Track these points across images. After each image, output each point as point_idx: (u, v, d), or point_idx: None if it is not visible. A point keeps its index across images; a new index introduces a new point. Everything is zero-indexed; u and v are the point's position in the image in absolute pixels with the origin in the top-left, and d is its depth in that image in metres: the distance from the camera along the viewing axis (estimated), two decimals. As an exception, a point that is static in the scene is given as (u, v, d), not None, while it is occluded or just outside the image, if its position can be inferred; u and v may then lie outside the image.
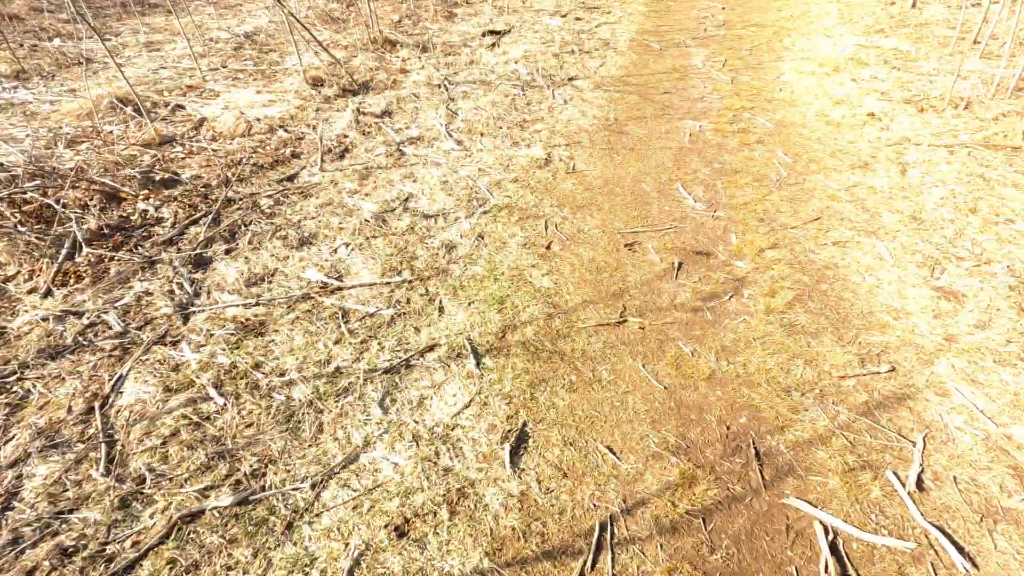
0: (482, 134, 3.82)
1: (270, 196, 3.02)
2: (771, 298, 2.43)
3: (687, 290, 2.49)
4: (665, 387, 2.03)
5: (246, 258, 2.55)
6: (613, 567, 1.49)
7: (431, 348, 2.12)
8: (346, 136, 3.70)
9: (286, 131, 3.71)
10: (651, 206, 3.13)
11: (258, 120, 3.78)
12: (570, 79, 4.86)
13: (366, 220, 2.82)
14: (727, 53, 5.55)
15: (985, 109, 3.92)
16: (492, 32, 5.92)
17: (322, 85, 4.38)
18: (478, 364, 2.07)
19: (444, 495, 1.65)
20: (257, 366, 2.06)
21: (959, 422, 1.88)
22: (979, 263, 2.56)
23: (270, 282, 2.41)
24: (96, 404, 1.87)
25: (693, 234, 2.89)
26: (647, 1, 7.55)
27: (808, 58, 5.26)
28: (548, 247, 2.75)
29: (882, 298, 2.42)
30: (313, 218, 2.86)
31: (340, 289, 2.39)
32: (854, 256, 2.67)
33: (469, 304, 2.36)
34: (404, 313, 2.29)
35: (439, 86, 4.56)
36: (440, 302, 2.36)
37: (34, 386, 1.94)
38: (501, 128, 3.91)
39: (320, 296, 2.35)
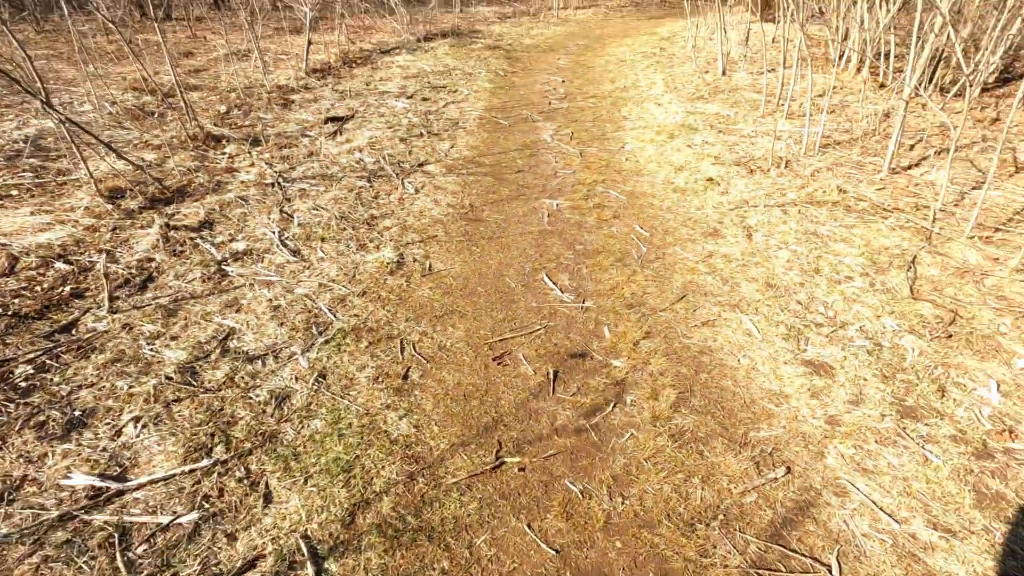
0: (323, 239, 3.40)
1: (31, 360, 2.31)
2: (655, 401, 2.24)
3: (567, 406, 2.22)
4: (558, 550, 1.69)
5: (-19, 464, 1.84)
6: None
7: (251, 564, 1.59)
8: (151, 260, 3.07)
9: (67, 262, 2.99)
10: (517, 304, 2.89)
11: (28, 252, 3.02)
12: (420, 165, 4.64)
13: (168, 377, 2.23)
14: (573, 126, 5.73)
15: (802, 167, 4.31)
16: (334, 119, 5.60)
17: (123, 197, 3.71)
18: (319, 575, 1.58)
19: None
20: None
21: (864, 527, 1.74)
22: (835, 327, 2.61)
23: (9, 503, 1.73)
24: None
25: (565, 332, 2.67)
26: (491, 78, 7.77)
27: (646, 126, 5.59)
28: (405, 376, 2.36)
29: (760, 381, 2.33)
30: (92, 385, 2.21)
31: (121, 494, 1.77)
32: (725, 336, 2.61)
33: (306, 480, 1.87)
34: (214, 514, 1.74)
35: (273, 185, 4.09)
36: (266, 485, 1.84)
37: None
38: (345, 230, 3.51)
39: (88, 512, 1.72)
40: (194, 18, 11.00)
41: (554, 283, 3.07)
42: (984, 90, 5.61)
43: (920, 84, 5.78)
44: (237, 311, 2.71)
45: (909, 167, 4.22)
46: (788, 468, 1.94)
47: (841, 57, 7.53)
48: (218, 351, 2.44)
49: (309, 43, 7.43)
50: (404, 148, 4.97)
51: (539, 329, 2.68)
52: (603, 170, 4.60)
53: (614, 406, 2.22)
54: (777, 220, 3.58)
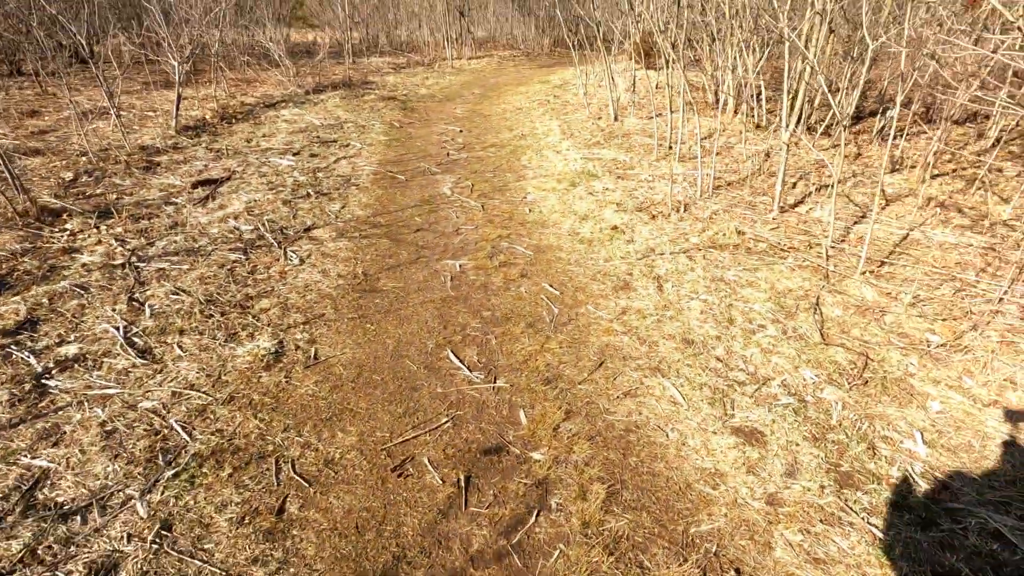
0: (183, 331, 2.85)
1: None
2: (583, 502, 1.94)
3: (483, 523, 1.87)
4: None
5: None
6: None
7: None
8: (-61, 382, 2.38)
9: None
10: (420, 391, 2.52)
11: None
12: (307, 229, 4.20)
13: (-67, 564, 1.62)
14: (473, 177, 5.55)
15: (699, 210, 4.36)
16: (206, 182, 5.02)
17: (-88, 297, 2.94)
18: None
19: None
20: None
21: (829, 637, 1.52)
22: (758, 384, 2.49)
23: None
24: None
25: (476, 422, 2.33)
26: (386, 129, 7.49)
27: (547, 174, 5.52)
28: (280, 511, 1.89)
29: (693, 459, 2.12)
30: None
31: None
32: (650, 407, 2.39)
33: None
34: None
35: (123, 266, 3.46)
36: None
37: None
38: (212, 317, 2.99)
39: None
40: (47, 72, 9.85)
41: (461, 360, 2.74)
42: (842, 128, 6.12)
43: (794, 125, 6.22)
44: (55, 444, 2.11)
45: (795, 205, 4.39)
46: (738, 570, 1.70)
47: (718, 101, 8.06)
48: (19, 506, 1.85)
49: (180, 98, 6.78)
50: (288, 212, 4.50)
51: (446, 422, 2.33)
52: (507, 223, 4.40)
53: (538, 514, 1.90)
54: (685, 268, 3.51)
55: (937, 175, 4.70)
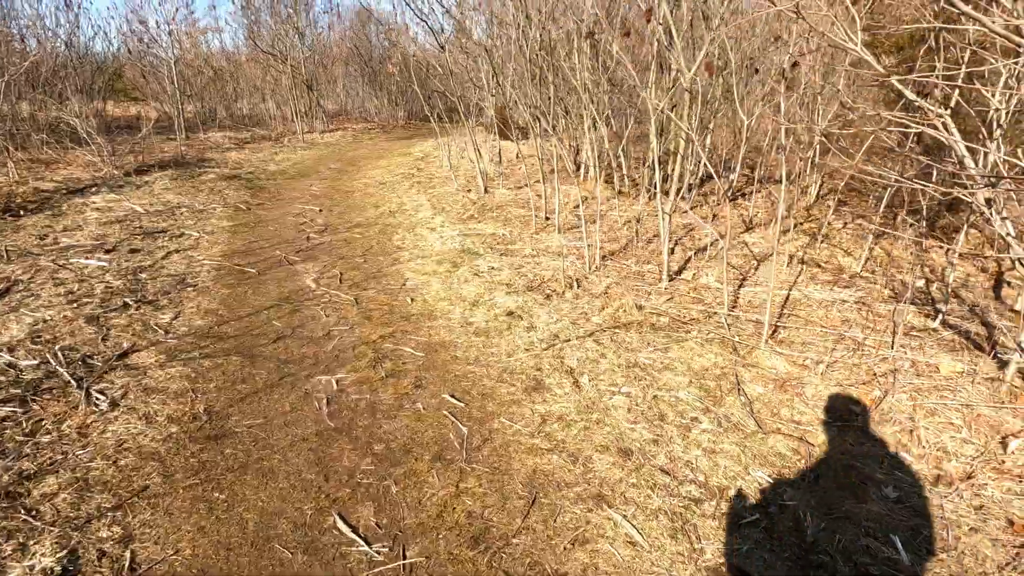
0: None
1: None
2: None
3: None
4: None
5: None
6: None
7: None
8: None
9: None
10: (300, 593, 1.78)
11: None
12: (123, 355, 3.20)
13: None
14: (341, 264, 4.87)
15: (592, 284, 4.16)
16: (-31, 300, 3.74)
17: None
18: None
19: None
20: None
21: None
22: (715, 498, 2.15)
23: None
24: None
25: (387, 632, 1.66)
26: (230, 213, 6.52)
27: (424, 255, 5.04)
28: None
29: (676, 629, 1.66)
30: None
31: None
32: (606, 555, 1.92)
33: None
34: None
35: None
36: None
37: None
38: (-47, 524, 1.96)
39: None
40: None
41: (354, 527, 2.05)
42: (685, 190, 6.54)
43: (661, 192, 6.50)
44: None
45: (679, 271, 4.39)
46: None
47: (579, 168, 8.36)
48: None
49: (-64, 190, 5.25)
50: (95, 332, 3.44)
51: (344, 643, 1.62)
52: (388, 319, 3.80)
53: None
54: (595, 354, 3.19)
55: (785, 231, 5.08)
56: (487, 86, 9.58)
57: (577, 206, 6.34)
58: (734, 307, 3.74)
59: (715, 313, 3.64)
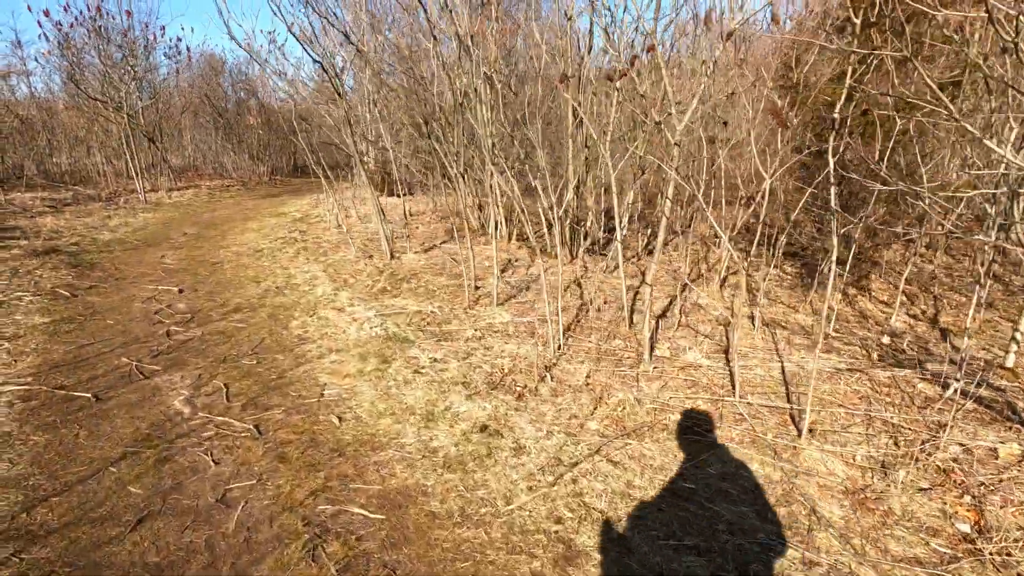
0: None
1: None
2: None
3: None
4: None
5: None
6: None
7: None
8: None
9: None
10: None
11: None
12: None
13: None
14: (224, 370, 3.56)
15: (568, 374, 3.39)
16: None
17: None
18: None
19: None
20: None
21: None
22: None
23: None
24: None
25: None
26: (46, 304, 4.74)
27: (339, 348, 3.90)
28: None
29: None
30: None
31: None
32: None
33: None
34: None
35: None
36: None
37: None
38: None
39: None
40: None
41: None
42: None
43: (575, 250, 6.02)
44: None
45: (652, 347, 3.81)
46: None
47: (484, 227, 7.70)
48: None
49: None
50: None
51: None
52: (313, 458, 2.65)
53: None
54: (620, 484, 2.40)
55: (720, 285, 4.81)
56: (367, 138, 8.67)
57: (504, 270, 5.62)
58: (731, 391, 3.20)
59: (723, 400, 3.06)
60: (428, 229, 7.85)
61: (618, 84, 3.70)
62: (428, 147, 8.39)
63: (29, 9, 8.64)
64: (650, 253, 6.05)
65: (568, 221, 6.38)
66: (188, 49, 11.71)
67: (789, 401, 3.06)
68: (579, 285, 5.07)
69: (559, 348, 3.71)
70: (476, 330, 4.11)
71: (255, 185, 15.23)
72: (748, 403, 3.03)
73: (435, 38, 3.98)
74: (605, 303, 4.61)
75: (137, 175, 10.86)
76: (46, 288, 5.12)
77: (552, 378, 3.34)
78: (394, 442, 2.77)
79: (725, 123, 4.77)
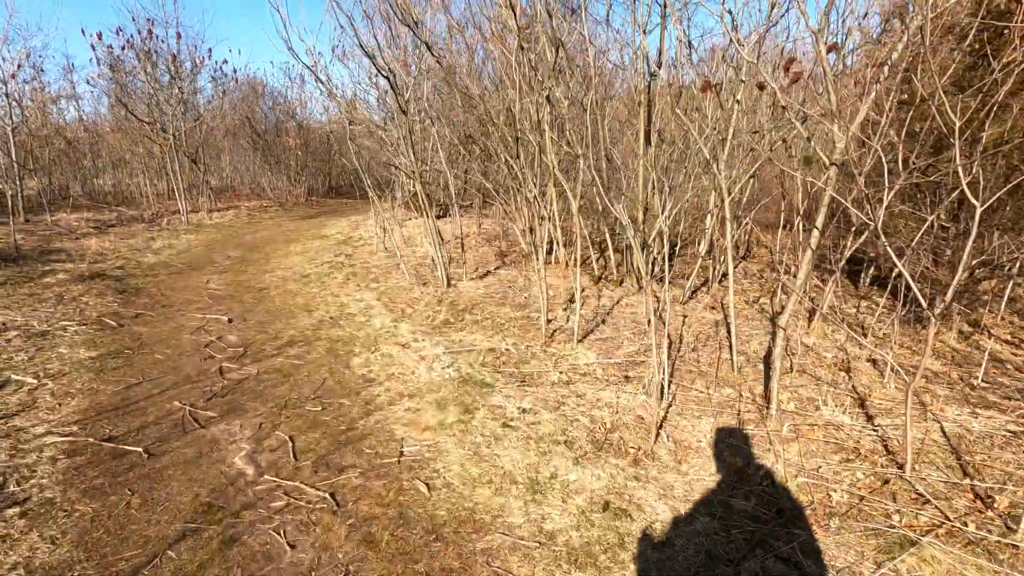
0: None
1: None
2: None
3: None
4: None
5: None
6: None
7: None
8: None
9: None
10: None
11: None
12: None
13: None
14: (285, 418, 3.13)
15: (685, 432, 2.88)
16: None
17: None
18: None
19: None
20: None
21: None
22: None
23: None
24: None
25: None
26: (92, 336, 4.41)
27: (409, 392, 3.45)
28: None
29: None
30: None
31: None
32: None
33: None
34: None
35: None
36: None
37: None
38: None
39: None
40: None
41: None
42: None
43: (642, 277, 5.51)
44: None
45: (772, 398, 3.27)
46: None
47: (536, 251, 7.25)
48: None
49: None
50: None
51: None
52: (406, 540, 2.17)
53: None
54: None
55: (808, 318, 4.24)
56: (414, 157, 8.38)
57: (571, 300, 5.14)
58: (890, 454, 2.64)
59: (887, 472, 2.51)
60: (477, 253, 7.44)
61: (714, 98, 3.24)
62: (480, 167, 8.04)
63: (83, 32, 8.54)
64: (723, 278, 5.52)
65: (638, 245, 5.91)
66: (235, 71, 11.67)
67: (967, 474, 2.49)
68: (660, 318, 4.56)
69: (664, 397, 3.20)
70: (561, 373, 3.62)
71: (292, 206, 15.12)
72: (922, 478, 2.47)
73: (522, 47, 3.58)
74: (697, 340, 4.09)
75: (180, 196, 10.75)
76: (91, 317, 4.80)
77: (668, 437, 2.82)
78: (499, 521, 2.28)
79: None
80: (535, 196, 4.92)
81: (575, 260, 6.13)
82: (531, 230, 7.66)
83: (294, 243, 8.91)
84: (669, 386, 3.35)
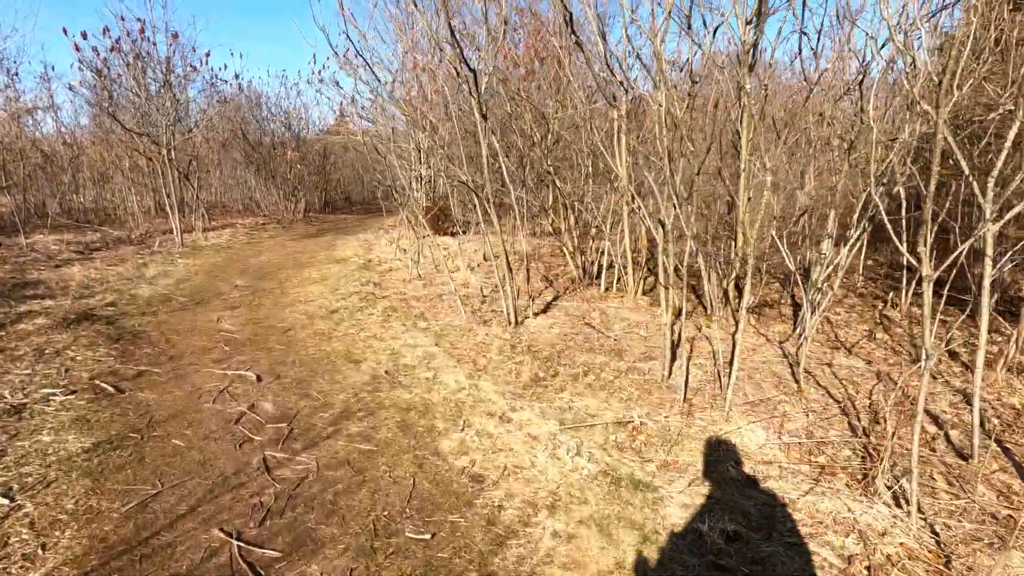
0: None
1: None
2: None
3: None
4: None
5: None
6: None
7: None
8: None
9: None
10: None
11: None
12: None
13: None
14: (384, 557, 2.10)
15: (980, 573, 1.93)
16: None
17: None
18: None
19: None
20: None
21: None
22: None
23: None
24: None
25: None
26: (83, 409, 3.30)
27: (549, 503, 2.45)
28: None
29: None
30: None
31: None
32: None
33: None
34: None
35: None
36: None
37: None
38: None
39: None
40: None
41: None
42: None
43: (729, 307, 4.61)
44: None
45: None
46: None
47: (585, 273, 6.33)
48: None
49: None
50: None
51: None
52: None
53: None
54: None
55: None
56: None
57: (676, 344, 4.19)
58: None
59: None
60: (518, 278, 6.47)
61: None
62: (519, 177, 7.08)
63: (65, 32, 7.39)
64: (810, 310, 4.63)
65: (730, 271, 5.02)
66: (236, 76, 10.56)
67: None
68: (801, 367, 3.64)
69: (907, 505, 2.26)
70: (735, 464, 2.66)
71: (290, 223, 13.97)
72: None
73: (602, 37, 2.65)
74: (862, 405, 3.17)
75: (173, 214, 9.56)
76: (82, 379, 3.69)
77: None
78: None
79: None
80: (634, 209, 3.99)
81: (629, 287, 5.16)
82: (582, 252, 6.73)
83: (307, 268, 7.82)
84: (891, 474, 2.41)
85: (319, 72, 11.01)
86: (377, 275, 7.07)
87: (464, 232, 10.27)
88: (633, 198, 5.35)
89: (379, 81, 3.35)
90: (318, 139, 16.42)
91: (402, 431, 3.10)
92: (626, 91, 4.82)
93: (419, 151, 7.97)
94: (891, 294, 5.17)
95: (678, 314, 5.09)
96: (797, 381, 3.46)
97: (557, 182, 5.94)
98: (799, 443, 2.80)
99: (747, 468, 2.61)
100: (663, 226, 3.33)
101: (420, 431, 3.10)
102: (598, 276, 6.32)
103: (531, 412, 3.23)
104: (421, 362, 4.10)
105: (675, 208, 3.05)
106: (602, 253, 6.26)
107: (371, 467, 2.74)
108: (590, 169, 6.11)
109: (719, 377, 3.61)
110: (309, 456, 2.85)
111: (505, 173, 4.47)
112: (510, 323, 4.76)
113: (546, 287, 6.27)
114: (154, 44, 8.88)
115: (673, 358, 3.96)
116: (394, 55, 7.45)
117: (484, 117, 3.58)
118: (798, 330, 4.48)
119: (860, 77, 3.47)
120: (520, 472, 2.67)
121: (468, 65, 3.21)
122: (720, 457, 2.70)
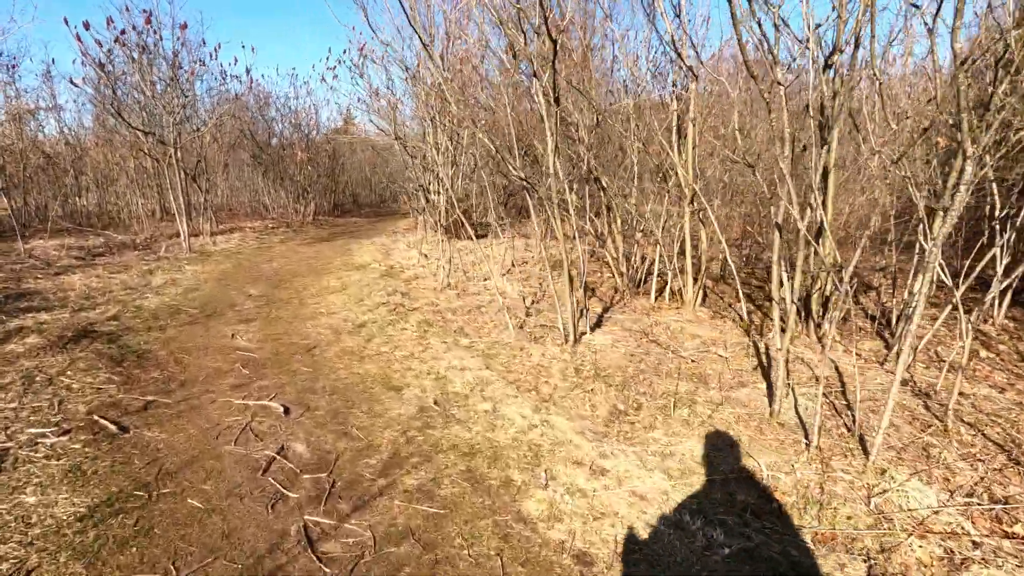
0: None
1: None
2: None
3: None
4: None
5: None
6: None
7: None
8: None
9: None
10: None
11: None
12: None
13: None
14: None
15: None
16: None
17: None
18: None
19: None
20: None
21: None
22: None
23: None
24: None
25: None
26: (81, 456, 2.69)
27: (681, 596, 1.83)
28: None
29: None
30: None
31: None
32: None
33: None
34: None
35: None
36: None
37: None
38: None
39: None
40: None
41: None
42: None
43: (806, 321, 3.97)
44: None
45: None
46: None
47: (623, 275, 5.72)
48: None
49: None
50: None
51: None
52: None
53: None
54: None
55: None
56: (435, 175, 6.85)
57: (766, 367, 3.58)
58: None
59: None
60: (559, 287, 5.85)
61: None
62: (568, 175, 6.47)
63: (66, 22, 6.77)
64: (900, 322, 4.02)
65: (808, 282, 4.40)
66: (248, 70, 9.99)
67: None
68: (931, 403, 3.02)
69: None
70: (920, 545, 2.04)
71: (300, 226, 13.36)
72: None
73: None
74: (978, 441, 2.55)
75: (181, 217, 8.95)
76: (78, 413, 3.08)
77: None
78: None
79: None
80: (694, 212, 3.39)
81: (695, 297, 4.54)
82: (627, 258, 6.11)
83: (325, 275, 7.20)
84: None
85: (334, 68, 10.38)
86: (403, 283, 6.46)
87: (484, 236, 9.68)
88: (692, 199, 4.75)
89: (431, 56, 2.77)
90: (328, 140, 15.81)
91: (471, 485, 2.48)
92: (696, 77, 4.22)
93: (451, 148, 7.35)
94: (985, 306, 4.54)
95: (747, 330, 4.48)
96: (940, 418, 2.84)
97: (604, 180, 5.32)
98: (981, 507, 2.18)
99: (934, 546, 1.99)
100: (779, 230, 2.71)
101: (494, 485, 2.48)
102: (639, 284, 5.71)
103: (626, 460, 2.62)
104: (474, 389, 3.49)
105: (813, 207, 2.43)
106: (649, 260, 5.66)
107: (442, 540, 2.13)
108: (636, 168, 5.50)
109: (837, 411, 3.00)
110: (360, 521, 2.23)
111: (560, 171, 3.86)
112: (566, 340, 4.15)
113: (589, 296, 5.66)
114: (160, 39, 8.28)
115: (770, 386, 3.35)
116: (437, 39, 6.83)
117: (556, 101, 2.96)
118: (895, 348, 3.87)
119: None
120: (638, 551, 2.05)
121: (550, 35, 2.58)
122: (892, 528, 2.08)
